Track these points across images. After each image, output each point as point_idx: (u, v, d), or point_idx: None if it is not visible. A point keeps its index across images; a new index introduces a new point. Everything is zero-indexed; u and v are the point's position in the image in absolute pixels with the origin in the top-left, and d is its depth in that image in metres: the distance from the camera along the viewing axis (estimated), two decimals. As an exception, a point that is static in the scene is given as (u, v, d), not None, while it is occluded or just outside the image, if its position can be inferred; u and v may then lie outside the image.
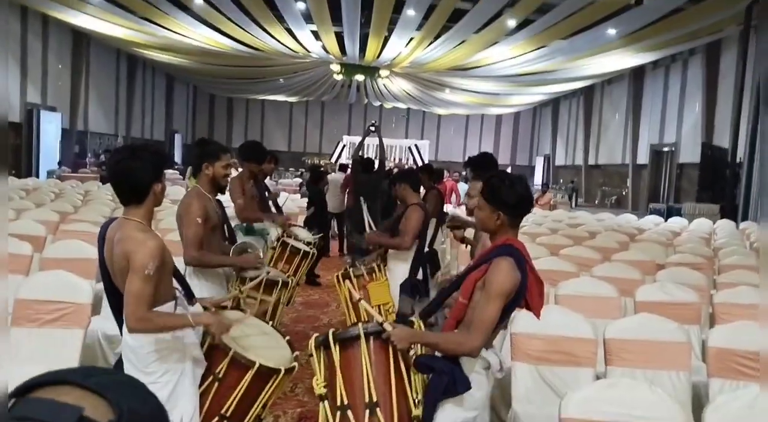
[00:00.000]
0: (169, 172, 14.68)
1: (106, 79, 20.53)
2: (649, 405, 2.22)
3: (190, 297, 2.72)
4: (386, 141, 25.14)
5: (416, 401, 2.26)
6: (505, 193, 2.32)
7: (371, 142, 12.54)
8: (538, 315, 2.41)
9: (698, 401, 3.19)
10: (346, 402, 2.20)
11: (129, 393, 0.65)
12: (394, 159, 20.43)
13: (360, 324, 2.33)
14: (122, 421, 0.61)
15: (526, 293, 2.29)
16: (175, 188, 9.75)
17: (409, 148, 18.14)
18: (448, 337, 2.32)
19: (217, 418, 2.56)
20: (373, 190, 7.25)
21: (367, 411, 2.18)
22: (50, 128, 16.37)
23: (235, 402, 2.54)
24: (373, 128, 7.54)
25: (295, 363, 2.66)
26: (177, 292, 2.53)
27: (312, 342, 2.30)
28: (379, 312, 4.08)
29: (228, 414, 2.55)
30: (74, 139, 17.96)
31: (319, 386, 2.24)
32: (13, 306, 3.29)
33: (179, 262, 3.03)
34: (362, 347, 2.26)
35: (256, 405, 2.61)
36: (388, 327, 2.31)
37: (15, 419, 0.59)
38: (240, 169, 4.86)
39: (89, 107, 19.17)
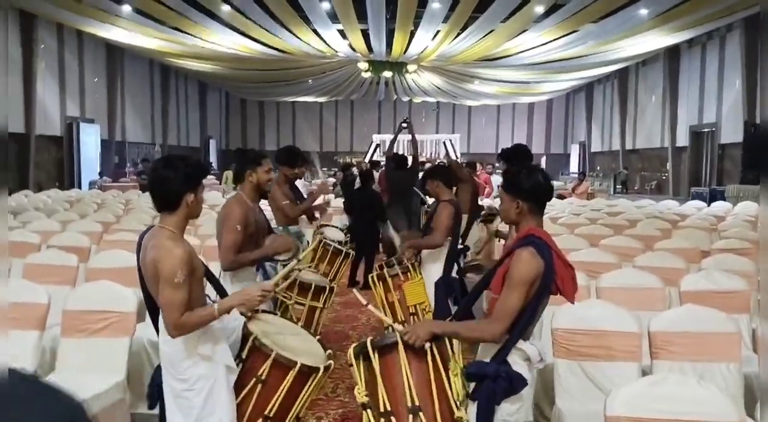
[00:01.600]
0: (207, 177, 14.92)
1: (141, 89, 21.01)
2: (700, 402, 2.15)
3: None
4: (418, 137, 25.09)
5: (458, 403, 2.26)
6: (522, 180, 2.39)
7: (404, 138, 12.52)
8: (572, 300, 2.45)
9: (751, 393, 3.08)
10: (389, 409, 2.21)
11: (20, 414, 0.52)
12: (427, 155, 20.33)
13: (397, 330, 2.33)
14: None
15: (556, 279, 2.31)
16: (212, 193, 9.91)
17: (444, 143, 18.01)
18: (468, 325, 2.37)
19: (260, 419, 2.61)
20: (407, 187, 7.24)
21: (410, 416, 2.18)
22: (90, 140, 16.84)
23: (278, 403, 2.60)
24: (405, 124, 7.53)
25: (332, 362, 2.71)
26: (208, 299, 2.58)
27: (351, 352, 2.32)
28: (415, 312, 4.08)
29: (271, 414, 2.61)
30: (113, 150, 18.44)
31: (360, 395, 2.26)
32: (62, 317, 3.39)
33: (215, 267, 3.09)
34: (401, 353, 2.26)
35: (296, 405, 2.67)
36: (398, 327, 2.36)
37: None
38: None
39: (126, 118, 19.66)
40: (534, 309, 2.30)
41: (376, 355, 2.27)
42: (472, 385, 2.34)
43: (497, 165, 19.31)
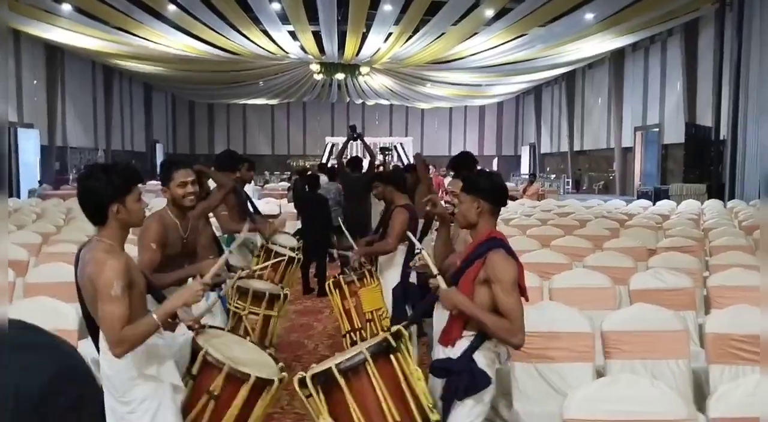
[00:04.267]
0: (151, 184, 14.47)
1: (83, 92, 20.26)
2: (652, 400, 2.19)
3: (172, 318, 2.64)
4: (370, 140, 25.06)
5: (430, 407, 2.23)
6: (482, 181, 2.49)
7: (355, 144, 12.46)
8: (527, 297, 2.51)
9: (699, 388, 3.17)
10: None
11: (15, 365, 0.53)
12: (380, 159, 20.33)
13: (362, 348, 2.25)
14: (8, 406, 0.50)
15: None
16: (159, 200, 9.61)
17: (395, 146, 18.04)
18: (496, 321, 2.33)
19: (212, 439, 2.51)
20: (362, 190, 7.17)
21: None
22: (28, 146, 16.12)
23: (232, 419, 2.50)
24: (354, 134, 7.48)
25: (285, 374, 2.63)
26: (152, 315, 2.46)
27: (308, 381, 2.17)
28: (372, 319, 4.03)
29: (224, 433, 2.50)
30: (54, 155, 17.71)
31: None
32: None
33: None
34: (370, 370, 2.19)
35: (251, 420, 2.57)
36: (441, 282, 2.40)
37: None
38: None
39: (67, 122, 18.91)
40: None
41: (343, 379, 2.18)
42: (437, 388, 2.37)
43: (447, 167, 19.54)
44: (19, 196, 14.16)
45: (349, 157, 9.71)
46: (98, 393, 0.62)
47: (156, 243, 2.95)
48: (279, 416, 3.66)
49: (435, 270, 2.49)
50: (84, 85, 20.33)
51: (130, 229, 2.45)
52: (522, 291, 2.41)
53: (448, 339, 2.45)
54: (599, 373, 3.13)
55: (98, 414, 0.60)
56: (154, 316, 2.24)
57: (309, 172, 8.48)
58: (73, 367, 0.57)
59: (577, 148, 22.48)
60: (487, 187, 2.47)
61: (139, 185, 2.36)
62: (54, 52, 17.65)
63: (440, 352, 2.52)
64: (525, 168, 25.96)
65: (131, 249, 2.79)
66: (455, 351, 2.41)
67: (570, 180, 21.41)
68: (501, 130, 29.48)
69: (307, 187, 7.40)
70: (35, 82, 17.22)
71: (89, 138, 20.51)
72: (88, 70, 20.46)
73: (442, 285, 2.41)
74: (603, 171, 20.67)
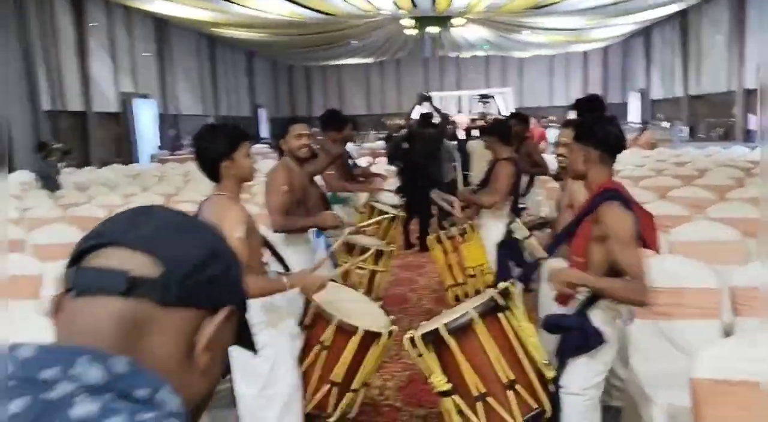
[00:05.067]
0: (257, 146, 15.07)
1: (191, 62, 21.27)
2: (794, 362, 2.00)
3: (285, 270, 2.76)
4: (465, 93, 24.36)
5: (545, 363, 2.20)
6: (596, 127, 2.29)
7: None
8: (657, 249, 2.35)
9: None
10: (483, 391, 2.15)
11: (175, 241, 0.65)
12: (475, 112, 19.82)
13: (469, 307, 2.23)
14: (175, 271, 0.62)
15: (641, 232, 2.21)
16: (266, 162, 9.99)
17: (493, 97, 17.46)
18: (616, 283, 2.19)
19: (327, 385, 2.63)
20: (432, 148, 7.07)
21: (509, 392, 2.12)
22: (145, 115, 17.26)
23: (343, 368, 2.60)
24: (425, 98, 7.35)
25: (395, 327, 2.68)
26: (267, 268, 2.57)
27: (417, 340, 2.20)
28: (474, 274, 4.00)
29: (337, 380, 2.61)
30: (168, 123, 18.87)
31: (441, 383, 2.18)
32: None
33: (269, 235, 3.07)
34: (478, 330, 2.18)
35: (362, 370, 2.67)
36: (552, 262, 2.34)
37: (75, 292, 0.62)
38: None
39: (179, 91, 20.01)
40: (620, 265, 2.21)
41: (453, 339, 2.18)
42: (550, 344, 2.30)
43: (552, 118, 18.69)
44: (139, 162, 15.30)
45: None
46: (239, 267, 0.71)
47: (287, 186, 3.14)
48: (388, 365, 3.76)
49: (542, 254, 2.38)
50: (191, 55, 21.33)
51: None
52: (650, 243, 2.26)
53: (563, 297, 2.37)
54: (726, 332, 2.92)
55: (240, 281, 0.71)
56: (286, 282, 2.39)
57: (408, 129, 8.41)
58: (223, 246, 0.69)
59: (692, 92, 20.71)
60: (599, 133, 2.27)
61: (248, 143, 2.46)
62: (162, 25, 18.59)
63: (553, 309, 2.45)
64: (634, 116, 24.35)
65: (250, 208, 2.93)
66: (570, 309, 2.32)
67: (685, 127, 19.85)
68: (607, 77, 27.71)
69: (406, 143, 7.38)
70: (147, 54, 18.27)
71: (198, 105, 21.62)
72: (193, 41, 21.40)
73: (553, 265, 2.30)
74: (722, 116, 18.96)
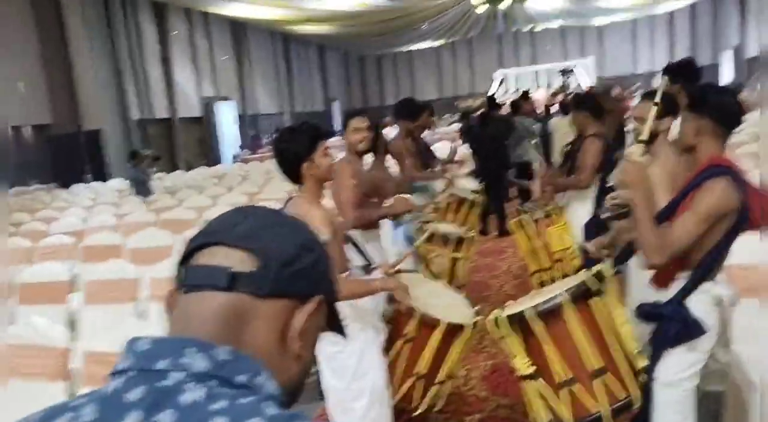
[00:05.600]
0: (331, 141, 15.30)
1: (266, 61, 21.90)
2: None
3: (368, 265, 2.78)
4: (541, 67, 23.44)
5: (637, 353, 2.10)
6: (711, 95, 2.12)
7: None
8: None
9: None
10: (570, 376, 2.08)
11: (269, 237, 0.71)
12: (554, 86, 19.07)
13: (561, 290, 2.14)
14: (270, 265, 0.69)
15: (750, 214, 2.03)
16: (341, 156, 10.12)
17: (572, 70, 16.68)
18: (653, 228, 2.03)
19: (412, 378, 2.63)
20: (504, 128, 6.88)
21: (596, 380, 2.05)
22: (226, 117, 17.96)
23: (427, 361, 2.59)
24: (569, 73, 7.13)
25: (479, 318, 2.64)
26: (350, 263, 2.59)
27: (502, 322, 2.16)
28: (561, 258, 3.86)
29: (422, 373, 2.61)
30: (248, 123, 19.55)
31: (525, 366, 2.13)
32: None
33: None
34: (569, 314, 2.10)
35: (447, 362, 2.65)
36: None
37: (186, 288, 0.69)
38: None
39: (256, 91, 20.67)
40: (724, 248, 2.07)
41: (540, 323, 2.11)
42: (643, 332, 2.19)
43: (638, 86, 17.67)
44: (221, 163, 15.96)
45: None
46: (327, 259, 0.78)
47: (356, 179, 3.16)
48: (472, 356, 3.72)
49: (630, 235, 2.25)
50: (266, 55, 21.96)
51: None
52: (754, 224, 2.08)
53: (660, 280, 2.22)
54: None
55: (330, 272, 0.78)
56: (375, 285, 2.43)
57: (481, 111, 8.26)
58: (312, 240, 0.76)
59: (796, 45, 18.92)
60: (715, 102, 2.10)
61: (326, 141, 2.47)
62: (238, 28, 19.23)
63: (647, 293, 2.30)
64: (727, 77, 22.60)
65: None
66: (668, 294, 2.17)
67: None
68: (696, 36, 25.85)
69: (481, 126, 7.24)
70: (226, 57, 18.98)
71: (275, 104, 22.25)
72: (268, 40, 22.01)
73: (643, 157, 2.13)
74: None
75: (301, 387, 0.76)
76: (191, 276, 0.70)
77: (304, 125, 2.49)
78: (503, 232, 6.59)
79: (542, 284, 3.99)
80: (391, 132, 4.60)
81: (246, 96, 19.76)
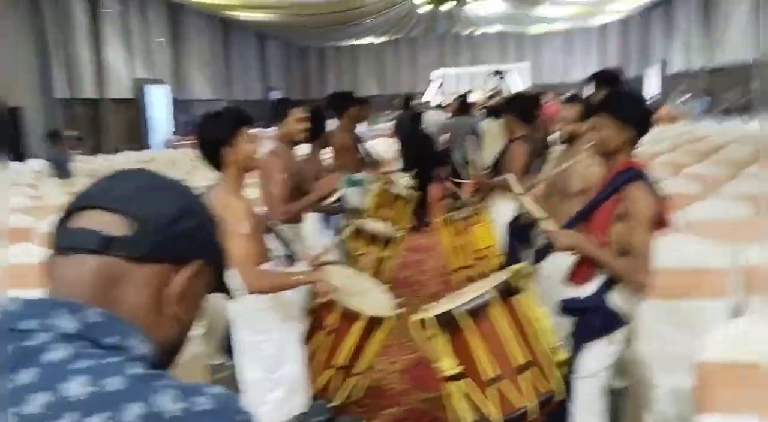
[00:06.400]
0: (270, 129, 15.04)
1: (204, 46, 21.21)
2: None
3: (290, 256, 2.75)
4: (481, 68, 23.98)
5: (557, 346, 2.16)
6: (633, 104, 2.27)
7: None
8: (670, 229, 2.35)
9: None
10: (498, 373, 2.09)
11: (147, 201, 0.71)
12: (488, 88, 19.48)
13: (487, 287, 2.16)
14: (145, 228, 0.69)
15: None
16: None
17: (505, 72, 17.02)
18: (618, 260, 2.17)
19: (331, 370, 2.63)
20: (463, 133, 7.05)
21: (522, 375, 2.08)
22: (159, 100, 17.32)
23: (347, 353, 2.60)
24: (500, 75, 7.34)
25: (401, 310, 2.67)
26: (272, 254, 2.56)
27: (430, 322, 2.13)
28: (482, 258, 3.96)
29: (341, 364, 2.61)
30: (182, 108, 18.92)
31: (451, 367, 2.12)
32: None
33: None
34: (495, 311, 2.12)
35: (366, 354, 2.66)
36: (550, 225, 2.29)
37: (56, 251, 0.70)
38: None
39: (192, 76, 20.02)
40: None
41: (469, 320, 2.12)
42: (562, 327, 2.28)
43: (570, 93, 18.32)
44: (151, 148, 15.38)
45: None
46: (213, 221, 0.78)
47: (286, 172, 3.11)
48: (396, 349, 3.76)
49: (540, 214, 2.34)
50: (204, 39, 21.28)
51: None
52: (665, 224, 2.23)
53: (579, 277, 2.31)
54: (735, 312, 2.86)
55: (213, 237, 0.78)
56: (298, 278, 2.40)
57: (411, 108, 8.35)
58: (193, 204, 0.75)
59: (713, 64, 20.18)
60: (636, 112, 2.24)
61: (250, 128, 2.42)
62: (176, 10, 18.55)
63: (567, 290, 2.40)
64: (652, 90, 23.82)
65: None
66: (587, 290, 2.27)
67: (705, 100, 19.38)
68: (625, 51, 27.07)
69: (410, 121, 7.39)
70: (161, 39, 18.27)
71: (211, 90, 21.62)
72: (206, 25, 21.31)
73: (551, 227, 2.26)
74: (742, 89, 18.45)
75: (179, 348, 0.77)
76: (65, 239, 0.70)
77: (227, 110, 2.44)
78: (425, 224, 6.84)
79: (469, 280, 4.08)
80: (331, 125, 4.59)
81: (181, 80, 19.10)
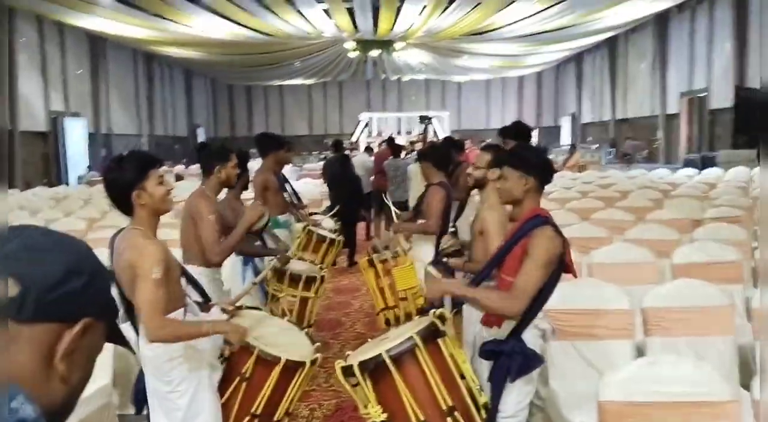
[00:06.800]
0: (192, 168, 14.77)
1: (126, 79, 20.68)
2: (694, 382, 2.11)
3: (206, 301, 2.70)
4: (405, 115, 24.69)
5: (478, 389, 2.21)
6: (533, 156, 2.42)
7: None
8: (575, 273, 2.50)
9: (746, 365, 3.05)
10: (422, 419, 2.08)
11: (34, 260, 0.70)
12: (415, 134, 20.09)
13: (412, 332, 2.16)
14: (30, 290, 0.68)
15: (565, 259, 2.33)
16: (188, 183, 9.76)
17: (431, 118, 17.70)
18: (489, 294, 2.33)
19: (248, 418, 2.56)
20: (402, 175, 7.28)
21: (448, 419, 2.09)
22: (76, 134, 16.61)
23: (264, 400, 2.55)
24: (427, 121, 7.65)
25: (319, 355, 2.65)
26: (187, 299, 2.51)
27: (355, 369, 2.10)
28: (406, 297, 4.03)
29: (258, 412, 2.55)
30: (100, 143, 18.21)
31: (377, 414, 2.10)
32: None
33: (190, 268, 3.00)
34: (420, 355, 2.13)
35: (285, 401, 2.62)
36: (434, 271, 2.46)
37: None
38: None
39: (111, 110, 19.36)
40: (549, 289, 2.30)
41: (394, 366, 2.10)
42: (484, 370, 2.38)
43: (489, 141, 19.16)
44: (68, 183, 14.66)
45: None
46: (103, 277, 0.77)
47: (214, 216, 3.08)
48: (317, 394, 3.71)
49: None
50: (126, 73, 20.75)
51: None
52: (568, 267, 2.36)
53: (492, 320, 2.41)
54: (639, 351, 3.05)
55: (102, 293, 0.76)
56: (208, 327, 2.31)
57: (341, 151, 8.50)
58: (82, 262, 0.74)
59: (619, 116, 21.75)
60: (536, 163, 2.39)
61: (160, 168, 2.38)
62: (96, 42, 18.03)
63: (483, 332, 2.49)
64: (565, 139, 25.30)
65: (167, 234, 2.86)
66: (501, 332, 2.37)
67: (612, 149, 20.79)
68: (540, 101, 28.76)
69: (339, 164, 7.53)
70: (80, 71, 17.65)
71: (133, 124, 20.99)
72: (129, 58, 20.84)
73: (435, 273, 2.48)
74: (647, 139, 19.96)
75: (70, 408, 0.76)
76: None
77: (131, 154, 2.40)
78: (354, 262, 6.93)
79: (387, 322, 4.12)
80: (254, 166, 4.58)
81: (100, 114, 18.43)
